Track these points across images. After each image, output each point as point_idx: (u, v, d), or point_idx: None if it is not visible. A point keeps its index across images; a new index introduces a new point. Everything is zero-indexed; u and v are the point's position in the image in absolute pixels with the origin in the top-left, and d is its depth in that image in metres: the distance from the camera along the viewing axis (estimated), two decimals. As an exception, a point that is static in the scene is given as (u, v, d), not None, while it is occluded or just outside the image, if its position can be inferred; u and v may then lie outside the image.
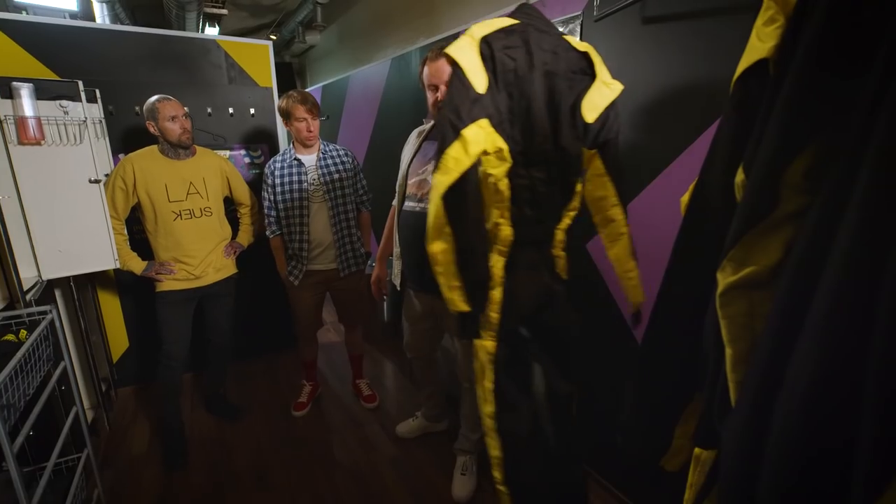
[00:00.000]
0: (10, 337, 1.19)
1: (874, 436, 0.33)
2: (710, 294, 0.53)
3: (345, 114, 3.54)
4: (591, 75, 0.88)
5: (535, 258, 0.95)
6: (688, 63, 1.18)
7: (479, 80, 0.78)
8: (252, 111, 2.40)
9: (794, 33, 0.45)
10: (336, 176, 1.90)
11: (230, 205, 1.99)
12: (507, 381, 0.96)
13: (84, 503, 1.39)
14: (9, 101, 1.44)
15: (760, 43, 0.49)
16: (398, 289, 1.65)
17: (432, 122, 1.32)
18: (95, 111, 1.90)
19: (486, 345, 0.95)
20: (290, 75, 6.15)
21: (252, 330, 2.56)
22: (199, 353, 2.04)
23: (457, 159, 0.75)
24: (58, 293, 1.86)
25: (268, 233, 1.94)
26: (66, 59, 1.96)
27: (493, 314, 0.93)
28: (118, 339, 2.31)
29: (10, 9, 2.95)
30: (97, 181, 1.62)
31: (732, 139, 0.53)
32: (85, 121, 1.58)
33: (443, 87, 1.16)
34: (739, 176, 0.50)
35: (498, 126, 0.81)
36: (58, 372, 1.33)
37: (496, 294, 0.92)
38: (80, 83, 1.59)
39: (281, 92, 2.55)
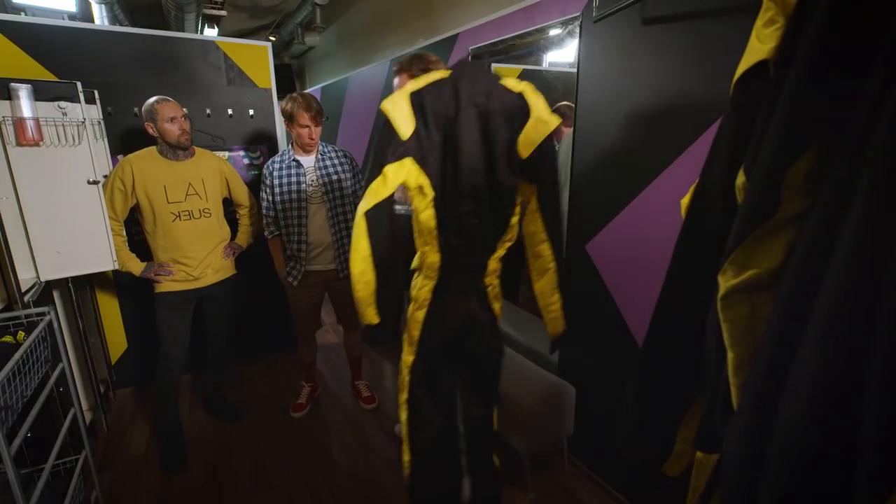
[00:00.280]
0: (8, 338, 1.19)
1: (878, 438, 0.32)
2: (710, 297, 0.53)
3: (344, 115, 3.54)
4: (527, 113, 0.94)
5: (466, 285, 1.02)
6: (687, 64, 1.18)
7: (405, 127, 0.91)
8: (251, 112, 2.40)
9: (794, 34, 0.45)
10: (335, 177, 1.90)
11: (229, 206, 1.99)
12: (421, 396, 1.06)
13: (82, 505, 1.39)
14: (7, 103, 1.43)
15: (760, 44, 0.49)
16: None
17: None
18: (94, 112, 1.89)
19: (407, 360, 1.05)
20: (289, 76, 6.15)
21: (251, 331, 2.56)
22: (197, 355, 2.04)
23: (376, 190, 0.88)
24: (56, 294, 1.85)
25: (266, 233, 1.94)
26: (64, 60, 1.95)
27: (415, 332, 1.03)
28: (117, 341, 2.30)
29: (9, 10, 2.94)
30: (96, 182, 1.61)
31: (733, 141, 0.53)
32: (83, 122, 1.57)
33: None
34: (740, 178, 0.49)
35: (422, 163, 0.93)
36: (56, 373, 1.32)
37: (420, 314, 1.02)
38: (79, 84, 1.58)
39: (280, 93, 2.55)
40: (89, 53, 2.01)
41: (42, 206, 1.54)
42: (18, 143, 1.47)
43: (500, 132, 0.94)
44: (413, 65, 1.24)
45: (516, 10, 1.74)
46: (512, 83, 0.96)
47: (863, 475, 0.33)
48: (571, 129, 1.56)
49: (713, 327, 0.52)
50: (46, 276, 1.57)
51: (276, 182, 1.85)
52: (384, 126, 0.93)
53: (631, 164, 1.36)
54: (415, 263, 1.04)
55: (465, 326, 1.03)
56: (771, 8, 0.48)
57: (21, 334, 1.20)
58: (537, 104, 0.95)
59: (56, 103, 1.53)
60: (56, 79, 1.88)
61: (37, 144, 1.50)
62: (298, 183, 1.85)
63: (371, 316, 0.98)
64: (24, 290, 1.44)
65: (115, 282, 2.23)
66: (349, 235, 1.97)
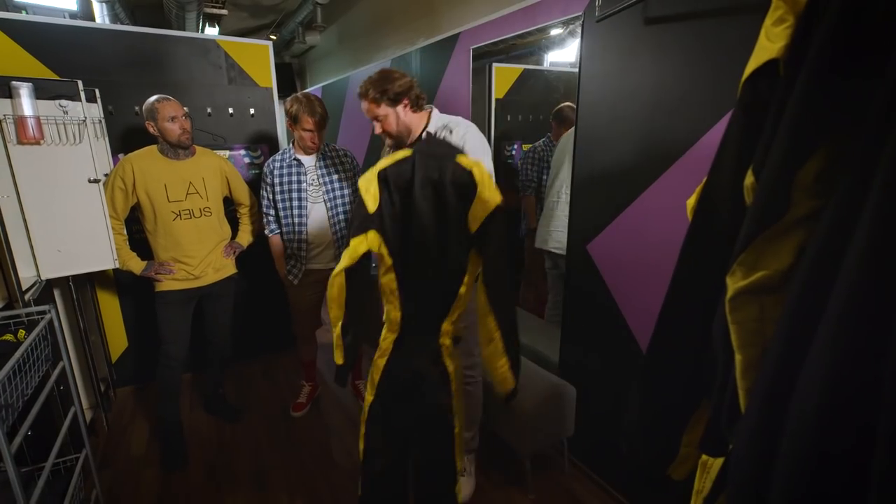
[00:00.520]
0: (9, 337, 1.18)
1: (893, 442, 0.32)
2: (717, 299, 0.53)
3: (344, 115, 3.54)
4: (474, 190, 1.03)
5: (421, 342, 1.15)
6: (689, 64, 1.17)
7: (371, 202, 1.05)
8: (252, 111, 2.40)
9: (805, 33, 0.44)
10: (335, 176, 1.89)
11: (230, 205, 1.99)
12: (375, 433, 1.20)
13: (82, 503, 1.39)
14: (8, 101, 1.43)
15: (770, 43, 0.48)
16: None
17: (387, 146, 1.55)
18: (95, 111, 1.89)
19: (368, 398, 1.20)
20: (289, 76, 6.15)
21: (251, 330, 2.56)
22: (198, 354, 2.04)
23: (345, 257, 1.05)
24: (57, 293, 1.85)
25: (266, 231, 1.94)
26: (65, 58, 1.95)
27: (376, 376, 1.17)
28: (117, 339, 2.30)
29: (10, 8, 2.94)
30: (96, 181, 1.61)
31: (741, 141, 0.52)
32: (84, 120, 1.57)
33: (376, 124, 1.40)
34: (749, 178, 0.49)
35: (383, 233, 1.07)
36: (56, 372, 1.32)
37: (381, 362, 1.16)
38: (80, 83, 1.58)
39: (281, 93, 2.54)
40: (90, 52, 2.01)
41: (43, 205, 1.54)
42: (19, 142, 1.46)
43: (451, 206, 1.04)
44: (370, 90, 1.34)
45: (518, 10, 1.73)
46: (465, 161, 1.05)
47: (877, 477, 0.33)
48: (572, 128, 1.55)
49: (720, 329, 0.52)
50: (47, 274, 1.57)
51: (277, 181, 1.85)
52: (356, 199, 1.08)
53: (633, 165, 1.36)
54: (384, 317, 1.17)
55: (414, 381, 1.15)
56: (780, 6, 0.47)
57: (22, 333, 1.20)
58: (483, 181, 1.04)
59: (57, 102, 1.52)
60: (57, 77, 1.88)
61: (38, 143, 1.50)
62: (299, 182, 1.85)
63: (338, 357, 1.17)
64: (24, 288, 1.43)
65: (115, 280, 2.23)
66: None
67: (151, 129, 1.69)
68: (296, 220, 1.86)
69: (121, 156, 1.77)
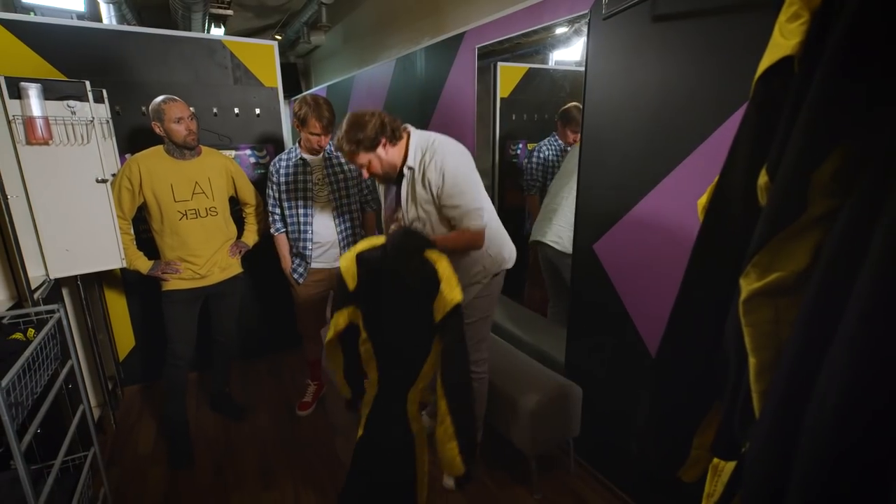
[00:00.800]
0: (19, 335, 1.19)
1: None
2: (728, 300, 0.52)
3: (350, 113, 3.54)
4: (437, 285, 1.12)
5: (390, 406, 1.28)
6: (697, 62, 1.16)
7: (350, 281, 1.20)
8: (257, 111, 2.40)
9: (821, 30, 0.43)
10: (341, 176, 1.89)
11: (235, 204, 1.99)
12: (359, 459, 1.35)
13: (91, 501, 1.39)
14: (17, 102, 1.44)
15: (784, 40, 0.47)
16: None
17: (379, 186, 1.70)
18: (102, 111, 1.90)
19: (359, 431, 1.34)
20: (295, 76, 6.17)
21: (257, 329, 2.57)
22: (204, 353, 2.04)
23: (331, 329, 1.25)
24: (65, 292, 1.87)
25: (272, 230, 1.94)
26: (73, 59, 1.96)
27: (362, 421, 1.33)
28: (124, 338, 2.32)
29: (19, 10, 2.97)
30: (104, 181, 1.62)
31: (754, 140, 0.51)
32: (92, 121, 1.58)
33: (363, 171, 1.44)
34: (762, 178, 0.48)
35: (362, 309, 1.22)
36: (65, 370, 1.33)
37: (365, 411, 1.32)
38: (88, 83, 1.59)
39: (286, 93, 2.55)
40: (98, 53, 2.02)
41: (51, 205, 1.55)
42: (28, 142, 1.47)
43: (417, 296, 1.15)
44: (344, 144, 1.36)
45: (523, 9, 1.72)
46: (432, 255, 1.15)
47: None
48: (578, 134, 1.54)
49: (733, 331, 0.51)
50: (55, 273, 1.58)
51: (283, 180, 1.85)
52: (338, 278, 1.23)
53: (639, 163, 1.35)
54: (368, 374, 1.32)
55: (381, 453, 1.29)
56: (795, 2, 0.46)
57: (31, 331, 1.21)
58: (445, 277, 1.12)
59: (65, 102, 1.53)
60: (65, 78, 1.89)
61: (46, 143, 1.51)
62: (305, 181, 1.85)
63: (345, 392, 1.39)
64: (33, 287, 1.44)
65: (122, 280, 2.24)
66: (355, 234, 1.98)
67: (158, 130, 1.70)
68: (301, 219, 1.87)
69: (128, 156, 1.78)
